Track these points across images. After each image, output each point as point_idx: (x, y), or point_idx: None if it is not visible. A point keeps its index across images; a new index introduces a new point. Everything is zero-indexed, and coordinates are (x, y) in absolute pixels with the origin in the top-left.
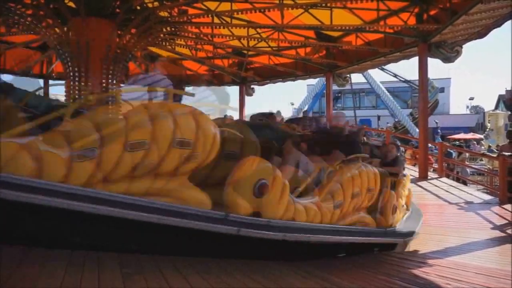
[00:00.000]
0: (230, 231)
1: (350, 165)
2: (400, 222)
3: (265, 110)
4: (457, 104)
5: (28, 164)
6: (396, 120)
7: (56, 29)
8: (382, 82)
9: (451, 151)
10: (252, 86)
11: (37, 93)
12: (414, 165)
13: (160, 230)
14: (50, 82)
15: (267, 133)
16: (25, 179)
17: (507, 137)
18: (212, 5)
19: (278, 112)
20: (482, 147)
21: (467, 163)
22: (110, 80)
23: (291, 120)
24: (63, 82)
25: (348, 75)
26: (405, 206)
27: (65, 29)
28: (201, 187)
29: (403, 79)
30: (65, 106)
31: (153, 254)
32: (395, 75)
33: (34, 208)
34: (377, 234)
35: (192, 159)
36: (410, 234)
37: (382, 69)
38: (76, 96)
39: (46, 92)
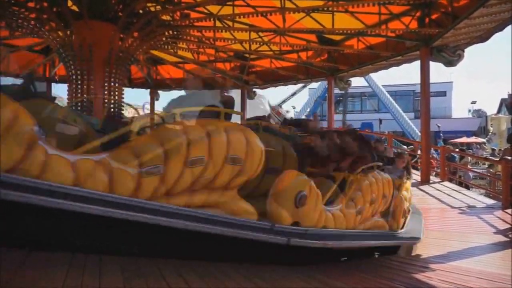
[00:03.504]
0: (278, 241)
1: (368, 173)
2: (406, 225)
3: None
4: (459, 108)
5: (103, 180)
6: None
7: (59, 32)
8: (384, 86)
9: (454, 155)
10: (253, 90)
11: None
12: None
13: (202, 237)
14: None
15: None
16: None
17: (508, 141)
18: (214, 9)
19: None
20: (484, 152)
21: (470, 167)
22: (112, 83)
23: (286, 122)
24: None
25: (350, 79)
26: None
27: (68, 32)
28: (247, 199)
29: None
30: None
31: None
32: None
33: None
34: (392, 237)
35: (241, 174)
36: (418, 237)
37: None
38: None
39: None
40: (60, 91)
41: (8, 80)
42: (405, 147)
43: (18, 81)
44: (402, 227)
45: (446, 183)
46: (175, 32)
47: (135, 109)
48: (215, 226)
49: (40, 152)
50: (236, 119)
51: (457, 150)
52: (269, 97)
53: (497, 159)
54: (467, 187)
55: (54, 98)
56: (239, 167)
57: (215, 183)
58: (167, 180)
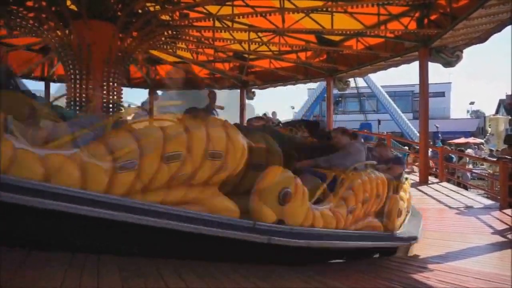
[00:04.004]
0: (259, 240)
1: (360, 172)
2: (403, 225)
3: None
4: (457, 108)
5: (74, 174)
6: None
7: (58, 31)
8: (383, 86)
9: (452, 155)
10: (253, 90)
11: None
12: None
13: (181, 236)
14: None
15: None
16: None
17: (505, 142)
18: (213, 9)
19: (274, 113)
20: (483, 152)
21: (468, 167)
22: (111, 83)
23: (288, 124)
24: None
25: (349, 80)
26: (406, 208)
27: (67, 32)
28: (229, 196)
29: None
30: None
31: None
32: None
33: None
34: (386, 238)
35: (222, 170)
36: (415, 238)
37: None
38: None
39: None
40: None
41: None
42: (406, 147)
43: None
44: (399, 228)
45: (445, 184)
46: (174, 32)
47: (142, 108)
48: (193, 224)
49: (7, 146)
50: (235, 119)
51: (454, 149)
52: (270, 97)
53: (495, 159)
54: (466, 188)
55: (34, 95)
56: (219, 162)
57: (194, 179)
58: (143, 175)
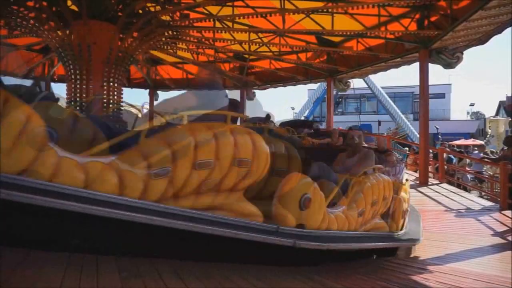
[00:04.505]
0: (285, 243)
1: (369, 175)
2: (405, 226)
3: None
4: (458, 110)
5: (113, 182)
6: (392, 128)
7: (58, 32)
8: (383, 87)
9: (452, 156)
10: (253, 91)
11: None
12: (415, 171)
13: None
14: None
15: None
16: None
17: (504, 143)
18: (214, 10)
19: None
20: (483, 154)
21: (468, 168)
22: (111, 83)
23: (284, 124)
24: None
25: (349, 80)
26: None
27: (67, 32)
28: (252, 201)
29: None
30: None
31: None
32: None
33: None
34: (392, 239)
35: (248, 176)
36: (417, 238)
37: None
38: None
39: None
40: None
41: (7, 80)
42: (406, 148)
43: (19, 81)
44: (401, 229)
45: (445, 185)
46: (174, 33)
47: (138, 109)
48: (221, 228)
49: (51, 154)
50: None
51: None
52: (270, 98)
53: (493, 161)
54: (466, 189)
55: (58, 99)
56: (246, 169)
57: (222, 186)
58: (175, 182)
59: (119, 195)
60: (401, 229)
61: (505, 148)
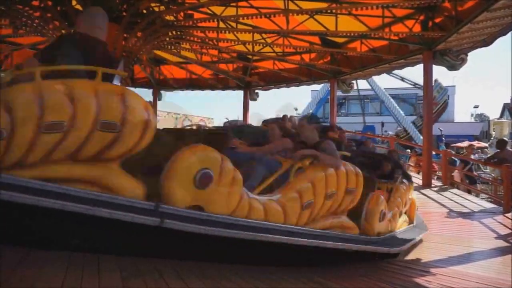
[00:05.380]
0: (152, 222)
1: (322, 161)
2: (396, 232)
3: (268, 114)
4: (462, 111)
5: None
6: (399, 128)
7: (63, 31)
8: (387, 89)
9: (455, 159)
10: (256, 91)
11: None
12: (418, 173)
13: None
14: None
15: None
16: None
17: (496, 147)
18: (217, 10)
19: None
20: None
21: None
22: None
23: (266, 121)
24: None
25: (353, 82)
26: (406, 217)
27: (72, 31)
28: (134, 174)
29: (412, 82)
30: None
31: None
32: (402, 78)
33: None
34: (356, 241)
35: (118, 143)
36: (397, 249)
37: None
38: None
39: None
40: None
41: None
42: (408, 150)
43: None
44: (381, 233)
45: (448, 187)
46: (178, 33)
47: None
48: (84, 204)
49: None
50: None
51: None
52: (273, 99)
53: (494, 163)
54: (469, 192)
55: None
56: (113, 134)
57: (82, 153)
58: (14, 147)
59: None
60: (382, 233)
61: (497, 150)
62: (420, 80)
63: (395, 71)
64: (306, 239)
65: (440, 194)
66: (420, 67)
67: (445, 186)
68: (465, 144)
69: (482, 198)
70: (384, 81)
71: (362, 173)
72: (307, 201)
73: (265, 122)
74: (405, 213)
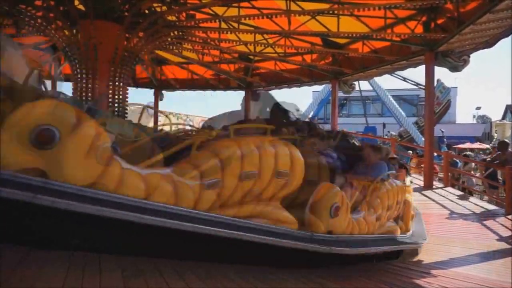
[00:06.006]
0: (321, 250)
1: (384, 181)
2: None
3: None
4: (463, 113)
5: (169, 192)
6: (402, 129)
7: (65, 31)
8: (388, 90)
9: (457, 160)
10: (257, 92)
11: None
12: (419, 174)
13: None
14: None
15: None
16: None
17: (497, 149)
18: (219, 10)
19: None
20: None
21: (473, 173)
22: (117, 83)
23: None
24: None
25: (354, 82)
26: (395, 223)
27: (74, 31)
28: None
29: (414, 82)
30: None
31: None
32: (404, 79)
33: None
34: (406, 240)
35: (286, 186)
36: (424, 238)
37: (391, 74)
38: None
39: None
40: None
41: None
42: (410, 152)
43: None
44: (409, 230)
45: (449, 189)
46: (180, 33)
47: (166, 116)
48: (261, 235)
49: (116, 167)
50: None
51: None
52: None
53: (496, 164)
54: (470, 193)
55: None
56: (285, 180)
57: (263, 195)
58: (224, 193)
59: (175, 204)
60: (409, 231)
61: (499, 152)
62: (423, 80)
63: (397, 72)
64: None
65: (442, 196)
66: (422, 68)
67: (447, 188)
68: (466, 145)
69: (484, 200)
70: (386, 82)
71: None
72: (377, 213)
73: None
74: (400, 218)
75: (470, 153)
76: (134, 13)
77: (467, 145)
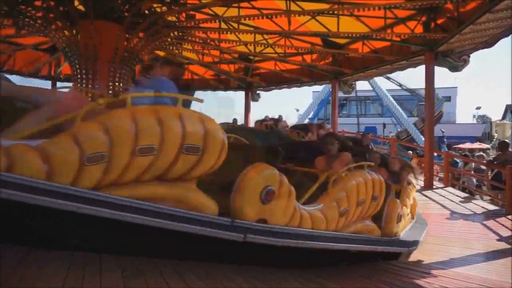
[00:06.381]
0: (236, 238)
1: (355, 172)
2: (405, 231)
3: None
4: (464, 113)
5: (39, 166)
6: (399, 130)
7: (65, 31)
8: (388, 90)
9: (457, 160)
10: (257, 92)
11: None
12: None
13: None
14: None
15: (273, 140)
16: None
17: (497, 149)
18: (219, 11)
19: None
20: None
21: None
22: (117, 83)
23: (295, 127)
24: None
25: (354, 83)
26: (410, 215)
27: (74, 31)
28: (206, 192)
29: (406, 88)
30: None
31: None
32: (400, 85)
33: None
34: (382, 242)
35: (199, 165)
36: (415, 244)
37: (388, 78)
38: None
39: None
40: None
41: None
42: (410, 152)
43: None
44: (397, 234)
45: (450, 189)
46: (180, 33)
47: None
48: (167, 220)
49: None
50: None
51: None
52: (274, 99)
53: (496, 164)
54: (471, 193)
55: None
56: (196, 157)
57: (169, 174)
58: (112, 169)
59: (47, 180)
60: (397, 234)
61: (499, 152)
62: (419, 85)
63: (395, 77)
64: (344, 244)
65: (442, 196)
66: (421, 71)
67: (447, 188)
68: (466, 145)
69: (485, 200)
70: (383, 85)
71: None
72: (343, 208)
73: (258, 122)
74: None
75: (483, 153)
76: (134, 13)
77: (467, 145)
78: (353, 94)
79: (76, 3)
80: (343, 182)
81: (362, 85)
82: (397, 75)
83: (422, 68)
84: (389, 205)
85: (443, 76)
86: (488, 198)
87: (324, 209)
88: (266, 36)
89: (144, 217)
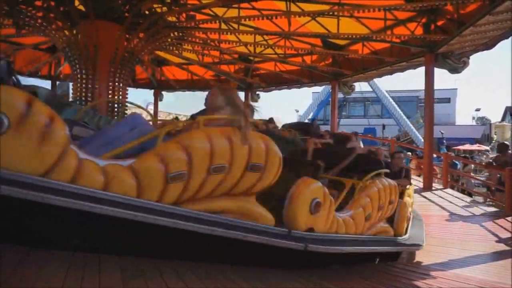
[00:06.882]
0: (296, 247)
1: (376, 180)
2: (408, 230)
3: (268, 116)
4: (463, 114)
5: (130, 183)
6: (400, 133)
7: (65, 31)
8: (387, 91)
9: (456, 162)
10: (257, 92)
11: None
12: (419, 176)
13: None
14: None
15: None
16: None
17: (497, 151)
18: (219, 11)
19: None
20: (484, 158)
21: (472, 174)
22: (117, 83)
23: (291, 126)
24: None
25: (354, 84)
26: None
27: (74, 31)
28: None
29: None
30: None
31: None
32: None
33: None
34: (397, 243)
35: (261, 181)
36: (421, 243)
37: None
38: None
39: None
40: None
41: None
42: (409, 153)
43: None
44: (406, 233)
45: (449, 190)
46: (180, 34)
47: (144, 109)
48: (236, 231)
49: (72, 156)
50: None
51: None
52: (274, 100)
53: (495, 166)
54: (470, 195)
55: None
56: (258, 174)
57: (236, 190)
58: (191, 186)
59: (137, 197)
60: (405, 234)
61: (498, 154)
62: (418, 86)
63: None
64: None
65: (441, 197)
66: (421, 74)
67: (446, 189)
68: (466, 147)
69: (484, 202)
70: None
71: None
72: (368, 213)
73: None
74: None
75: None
76: (134, 13)
77: (467, 146)
78: (352, 95)
79: (76, 3)
80: (367, 189)
81: (361, 86)
82: (402, 74)
83: (421, 74)
84: (400, 207)
85: (443, 78)
86: (488, 199)
87: (353, 214)
88: (266, 37)
89: (223, 230)
